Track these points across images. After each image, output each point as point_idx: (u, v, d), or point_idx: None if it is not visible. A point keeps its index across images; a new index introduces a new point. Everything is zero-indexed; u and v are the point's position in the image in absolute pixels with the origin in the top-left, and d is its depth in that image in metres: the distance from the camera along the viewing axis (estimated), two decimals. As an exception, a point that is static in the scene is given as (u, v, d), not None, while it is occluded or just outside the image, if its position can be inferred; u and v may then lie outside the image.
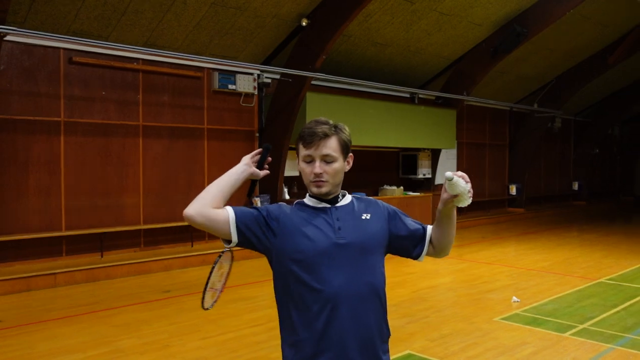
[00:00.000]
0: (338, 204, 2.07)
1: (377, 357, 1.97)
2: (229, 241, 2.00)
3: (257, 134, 10.49)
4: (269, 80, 10.40)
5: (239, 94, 10.06)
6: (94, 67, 8.44)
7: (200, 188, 9.47)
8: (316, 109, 10.22)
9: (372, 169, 12.58)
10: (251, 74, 10.18)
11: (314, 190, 2.01)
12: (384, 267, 2.08)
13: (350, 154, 2.09)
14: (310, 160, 2.01)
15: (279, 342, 2.11)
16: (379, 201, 2.19)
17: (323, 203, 2.06)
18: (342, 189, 2.11)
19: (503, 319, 6.12)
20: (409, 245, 2.15)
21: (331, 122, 2.04)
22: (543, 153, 18.55)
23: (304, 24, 9.55)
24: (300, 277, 1.94)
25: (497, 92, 15.24)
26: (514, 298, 6.89)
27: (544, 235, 13.03)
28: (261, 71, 10.25)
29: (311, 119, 9.03)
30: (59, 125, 8.16)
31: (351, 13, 9.13)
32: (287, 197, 10.59)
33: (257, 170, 2.08)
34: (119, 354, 4.96)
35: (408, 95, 13.20)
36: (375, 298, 1.99)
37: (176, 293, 7.25)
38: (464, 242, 12.06)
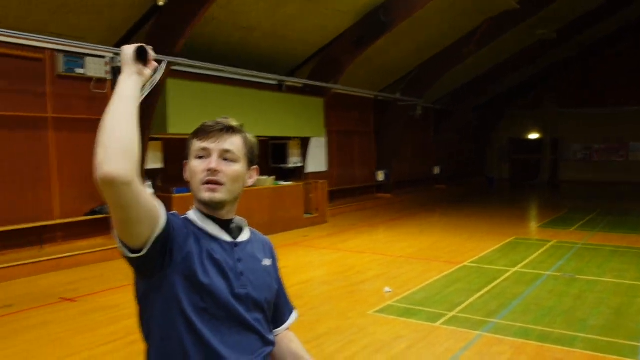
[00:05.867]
0: (239, 239, 1.63)
1: None
2: (129, 248, 1.40)
3: (113, 124, 9.53)
4: (125, 65, 9.47)
5: (89, 78, 9.04)
6: None
7: (46, 184, 8.31)
8: (178, 96, 9.51)
9: (241, 159, 12.11)
10: (103, 57, 9.19)
11: (206, 196, 1.54)
12: None
13: (256, 166, 1.67)
14: (204, 156, 1.56)
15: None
16: (269, 240, 1.80)
17: (218, 228, 1.58)
18: None
19: (377, 311, 6.03)
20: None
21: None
22: (407, 139, 19.26)
23: (161, 3, 8.75)
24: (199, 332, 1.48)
25: (363, 80, 15.43)
26: (386, 288, 6.87)
27: (411, 220, 13.47)
28: (114, 54, 9.30)
29: (173, 106, 8.20)
30: None
31: (214, -6, 8.55)
32: (150, 191, 9.75)
33: (146, 70, 1.48)
34: None
35: (275, 83, 12.87)
36: None
37: (20, 307, 6.28)
38: (336, 230, 12.08)
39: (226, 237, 1.59)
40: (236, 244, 1.60)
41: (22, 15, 7.85)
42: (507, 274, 7.72)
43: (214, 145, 1.56)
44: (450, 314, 5.91)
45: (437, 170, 21.39)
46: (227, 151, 1.57)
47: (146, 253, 1.40)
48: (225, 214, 1.60)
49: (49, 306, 6.38)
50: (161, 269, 1.45)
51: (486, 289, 6.94)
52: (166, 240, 1.44)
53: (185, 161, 1.64)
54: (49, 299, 6.64)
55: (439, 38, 15.35)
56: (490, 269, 8.09)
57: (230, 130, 1.59)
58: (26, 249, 8.31)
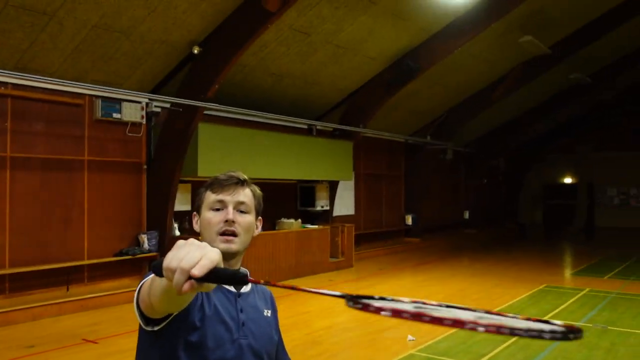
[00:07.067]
0: (242, 290, 1.67)
1: None
2: (145, 317, 1.46)
3: (145, 166, 9.82)
4: (159, 110, 9.82)
5: (125, 123, 9.37)
6: (-49, 91, 7.48)
7: (78, 225, 8.51)
8: (209, 139, 9.76)
9: (269, 202, 11.98)
10: (139, 102, 9.54)
11: (222, 247, 1.57)
12: None
13: (260, 217, 1.77)
14: (220, 208, 1.63)
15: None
16: (270, 292, 1.83)
17: None
18: None
19: (398, 361, 5.94)
20: None
21: None
22: (436, 183, 19.17)
23: (195, 51, 9.11)
24: None
25: (393, 124, 15.55)
26: (409, 337, 6.76)
27: (439, 265, 13.28)
28: (150, 100, 9.64)
29: (204, 150, 8.37)
30: None
31: (245, 42, 8.83)
32: (177, 233, 9.94)
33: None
34: None
35: (306, 127, 13.08)
36: None
37: (42, 348, 6.39)
38: (362, 274, 11.99)
39: (230, 288, 1.64)
40: (239, 295, 1.65)
41: (67, 64, 8.26)
42: (536, 325, 7.50)
43: (230, 197, 1.64)
44: (474, 366, 5.77)
45: (466, 214, 21.13)
46: (241, 203, 1.65)
47: (160, 329, 1.45)
48: (234, 264, 1.65)
49: (71, 347, 6.47)
50: (166, 334, 1.50)
51: (513, 340, 6.75)
52: (180, 315, 1.48)
53: (194, 213, 1.72)
54: (71, 340, 6.74)
55: (469, 83, 15.44)
56: (518, 319, 7.88)
57: (243, 183, 1.68)
58: (53, 289, 8.46)
